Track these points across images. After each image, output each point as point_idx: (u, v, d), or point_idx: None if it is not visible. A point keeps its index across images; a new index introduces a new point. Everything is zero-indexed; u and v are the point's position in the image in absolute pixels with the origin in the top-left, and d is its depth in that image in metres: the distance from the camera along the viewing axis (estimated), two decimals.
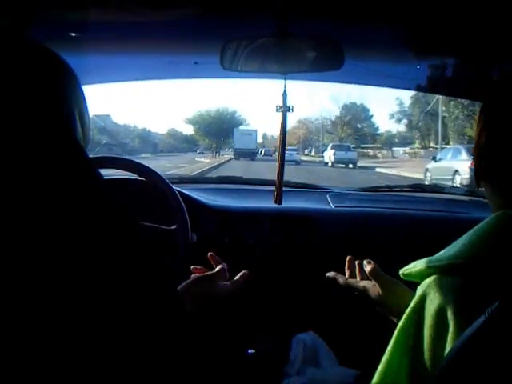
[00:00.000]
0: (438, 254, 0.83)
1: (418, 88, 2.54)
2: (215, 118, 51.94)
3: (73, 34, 1.64)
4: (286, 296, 2.20)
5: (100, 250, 0.61)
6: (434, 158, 17.97)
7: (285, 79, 1.60)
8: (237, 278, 1.44)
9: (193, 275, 1.42)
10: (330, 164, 33.23)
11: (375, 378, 0.87)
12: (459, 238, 0.82)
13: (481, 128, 0.86)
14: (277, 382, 1.47)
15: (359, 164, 34.98)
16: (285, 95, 1.60)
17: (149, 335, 0.65)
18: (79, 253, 0.59)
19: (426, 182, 14.69)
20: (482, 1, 1.31)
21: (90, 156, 1.80)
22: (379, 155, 49.45)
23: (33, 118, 0.63)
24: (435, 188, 3.00)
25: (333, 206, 2.38)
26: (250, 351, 2.05)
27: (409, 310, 0.84)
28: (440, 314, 0.76)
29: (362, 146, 54.62)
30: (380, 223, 2.26)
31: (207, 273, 1.40)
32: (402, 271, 0.94)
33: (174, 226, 1.79)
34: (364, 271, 1.34)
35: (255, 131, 41.41)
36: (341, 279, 1.42)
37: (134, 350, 0.62)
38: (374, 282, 1.29)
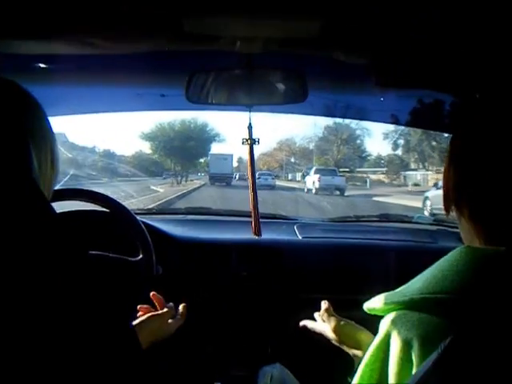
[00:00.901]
0: (403, 288, 0.83)
1: (383, 120, 2.58)
2: (179, 132, 39.94)
3: (39, 66, 1.63)
4: (252, 328, 2.19)
5: (48, 286, 0.60)
6: (436, 185, 17.39)
7: (249, 111, 1.61)
8: (180, 311, 1.57)
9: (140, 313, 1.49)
10: (313, 191, 28.62)
11: None
12: (426, 267, 0.83)
13: (449, 159, 0.87)
14: None
15: (353, 192, 29.74)
16: (250, 127, 1.61)
17: (101, 369, 0.64)
18: (27, 288, 0.59)
19: (426, 212, 14.46)
20: (448, 32, 1.33)
21: (57, 188, 1.80)
22: (384, 179, 42.77)
23: None
24: (402, 218, 3.02)
25: (300, 237, 2.38)
26: None
27: (373, 346, 0.84)
28: (405, 349, 0.76)
29: (359, 169, 47.92)
30: (346, 254, 2.27)
31: (158, 312, 1.50)
32: (366, 306, 0.94)
33: (139, 257, 1.77)
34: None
35: (231, 156, 39.37)
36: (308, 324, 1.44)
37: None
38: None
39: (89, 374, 0.62)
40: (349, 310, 1.34)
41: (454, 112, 1.90)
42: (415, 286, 0.80)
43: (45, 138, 0.82)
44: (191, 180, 39.80)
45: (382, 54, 1.53)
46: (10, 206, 0.62)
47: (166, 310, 1.51)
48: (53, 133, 0.85)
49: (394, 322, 0.80)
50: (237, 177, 39.34)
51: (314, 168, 32.85)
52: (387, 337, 0.80)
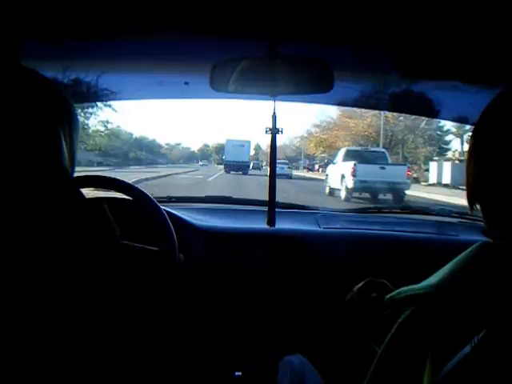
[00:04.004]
0: (422, 283, 0.83)
1: (409, 110, 2.56)
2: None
3: (66, 54, 1.64)
4: (273, 318, 2.19)
5: (77, 270, 0.61)
6: None
7: (274, 101, 1.61)
8: None
9: None
10: (342, 193, 16.33)
11: None
12: (447, 260, 0.82)
13: (470, 153, 0.86)
14: None
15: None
16: (274, 117, 1.61)
17: (125, 357, 0.65)
18: (58, 271, 0.59)
19: None
20: (473, 21, 1.32)
21: (80, 175, 1.81)
22: None
23: (19, 142, 0.64)
24: (424, 210, 2.99)
25: (321, 228, 2.37)
26: (237, 374, 2.03)
27: (390, 336, 0.83)
28: (421, 343, 0.75)
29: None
30: (367, 245, 2.26)
31: None
32: (387, 298, 0.93)
33: (162, 247, 1.78)
34: None
35: (249, 142, 38.68)
36: None
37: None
38: None
39: (112, 361, 0.63)
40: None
41: (479, 104, 1.87)
42: (434, 280, 0.79)
43: (72, 125, 0.83)
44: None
45: (408, 43, 1.51)
46: (43, 192, 0.62)
47: None
48: (77, 120, 0.86)
49: (411, 315, 0.80)
50: (250, 166, 37.93)
51: (342, 150, 19.19)
52: (404, 329, 0.80)
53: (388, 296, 0.93)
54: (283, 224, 2.32)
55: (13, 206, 0.59)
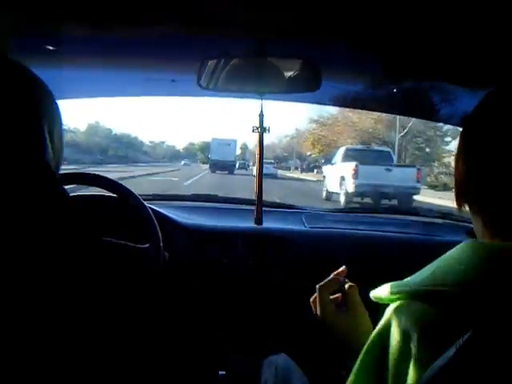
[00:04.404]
0: (409, 279, 0.83)
1: (396, 111, 2.56)
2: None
3: (51, 48, 1.62)
4: (258, 317, 2.19)
5: (55, 267, 0.60)
6: None
7: (261, 99, 1.60)
8: None
9: None
10: (342, 198, 14.79)
11: None
12: (432, 261, 0.82)
13: (459, 152, 0.86)
14: None
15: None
16: (261, 116, 1.60)
17: (109, 356, 0.65)
18: (34, 268, 0.59)
19: None
20: (462, 24, 1.32)
21: (64, 172, 1.80)
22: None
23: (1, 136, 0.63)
24: (410, 210, 3.01)
25: (307, 227, 2.37)
26: (221, 373, 2.02)
27: (375, 332, 0.83)
28: (404, 339, 0.75)
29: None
30: (353, 245, 2.26)
31: None
32: (372, 294, 0.93)
33: (147, 245, 1.77)
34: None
35: (235, 141, 38.10)
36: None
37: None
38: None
39: (97, 362, 0.63)
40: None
41: (466, 105, 1.88)
42: (419, 277, 0.80)
43: (55, 120, 0.82)
44: None
45: (397, 43, 1.52)
46: (26, 189, 0.62)
47: None
48: (60, 115, 0.85)
49: (396, 311, 0.80)
50: (236, 165, 37.33)
51: (341, 150, 17.41)
52: (388, 325, 0.80)
53: (373, 292, 0.93)
54: (270, 223, 2.32)
55: None
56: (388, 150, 18.46)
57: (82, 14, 1.35)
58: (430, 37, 1.44)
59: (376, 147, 22.06)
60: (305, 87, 1.64)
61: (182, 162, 50.39)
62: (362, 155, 15.97)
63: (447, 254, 0.80)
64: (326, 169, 18.19)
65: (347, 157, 15.98)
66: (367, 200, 14.62)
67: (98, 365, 0.64)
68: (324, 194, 16.98)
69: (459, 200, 0.88)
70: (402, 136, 27.07)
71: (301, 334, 2.07)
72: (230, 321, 2.19)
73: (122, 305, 0.71)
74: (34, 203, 0.61)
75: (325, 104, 2.44)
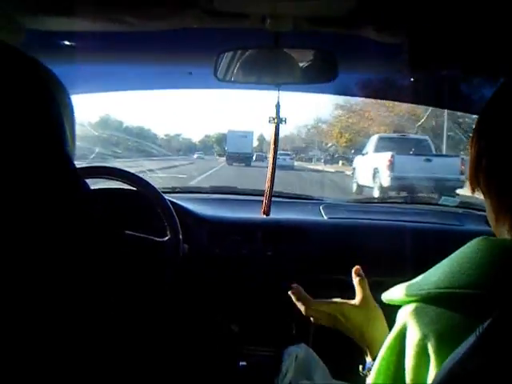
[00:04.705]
0: (420, 279, 0.82)
1: (413, 100, 2.55)
2: None
3: (65, 43, 1.64)
4: (278, 308, 2.19)
5: (77, 261, 0.61)
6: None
7: (278, 90, 1.60)
8: None
9: None
10: (376, 191, 13.14)
11: None
12: (452, 250, 0.81)
13: (478, 136, 0.86)
14: None
15: None
16: (278, 106, 1.60)
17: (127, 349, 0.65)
18: (57, 262, 0.59)
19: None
20: (475, 14, 1.31)
21: (84, 165, 1.81)
22: None
23: (22, 130, 0.63)
24: (428, 200, 2.99)
25: (326, 218, 2.37)
26: (241, 363, 2.03)
27: (390, 338, 0.83)
28: (421, 344, 0.74)
29: None
30: (373, 235, 2.26)
31: None
32: (384, 297, 0.93)
33: (166, 238, 1.78)
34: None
35: (251, 133, 36.96)
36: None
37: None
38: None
39: (120, 351, 0.63)
40: (373, 291, 1.33)
41: (484, 94, 1.87)
42: (432, 278, 0.78)
43: (69, 114, 0.82)
44: None
45: (413, 33, 1.51)
46: (46, 182, 0.62)
47: None
48: (73, 109, 0.86)
49: (410, 315, 0.79)
50: (254, 157, 35.48)
51: (374, 138, 15.43)
52: (404, 329, 0.80)
53: (384, 295, 0.93)
54: (285, 214, 2.32)
55: (14, 195, 0.59)
56: (426, 137, 16.10)
57: (98, 8, 1.36)
58: (447, 26, 1.43)
59: (413, 135, 18.74)
60: (322, 77, 1.63)
61: (196, 155, 45.45)
62: (398, 144, 13.89)
63: (460, 251, 0.79)
64: (356, 160, 16.29)
65: (381, 146, 14.02)
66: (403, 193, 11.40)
67: (124, 353, 0.65)
68: (354, 187, 14.99)
69: (472, 182, 0.88)
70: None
71: (320, 324, 2.08)
72: (250, 311, 2.20)
73: (143, 297, 0.72)
74: (56, 197, 0.62)
75: (342, 94, 2.43)
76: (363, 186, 14.33)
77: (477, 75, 1.81)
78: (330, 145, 37.37)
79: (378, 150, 14.05)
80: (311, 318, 1.36)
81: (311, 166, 31.74)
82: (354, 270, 1.34)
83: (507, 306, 0.67)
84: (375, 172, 13.30)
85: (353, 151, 23.28)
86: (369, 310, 1.25)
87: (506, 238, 0.80)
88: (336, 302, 1.31)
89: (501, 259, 0.74)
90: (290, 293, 1.39)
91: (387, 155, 12.79)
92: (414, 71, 1.84)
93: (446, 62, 1.72)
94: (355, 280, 1.32)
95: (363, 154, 15.22)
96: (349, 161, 26.08)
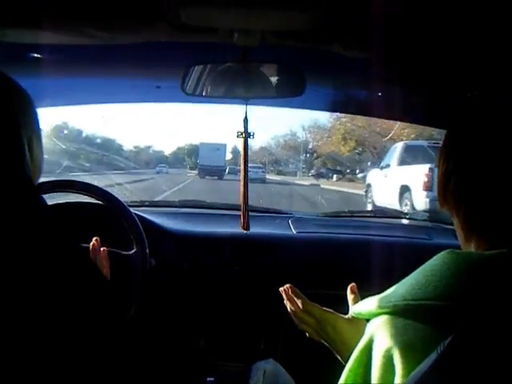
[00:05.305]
0: (389, 292, 0.82)
1: (381, 115, 2.57)
2: None
3: (33, 55, 1.62)
4: (245, 322, 2.18)
5: (38, 278, 0.60)
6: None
7: (246, 105, 1.60)
8: None
9: None
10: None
11: None
12: (420, 264, 0.82)
13: (446, 155, 0.87)
14: None
15: None
16: (246, 121, 1.61)
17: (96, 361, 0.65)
18: (17, 280, 0.58)
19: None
20: (442, 29, 1.33)
21: (49, 179, 1.79)
22: None
23: None
24: (396, 213, 3.02)
25: (294, 232, 2.37)
26: (209, 379, 2.02)
27: (357, 350, 0.83)
28: (387, 355, 0.75)
29: None
30: (341, 249, 2.26)
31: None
32: (352, 310, 0.94)
33: (133, 251, 1.76)
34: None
35: (224, 146, 36.38)
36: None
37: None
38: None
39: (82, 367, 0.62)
40: (342, 305, 1.33)
41: (451, 109, 1.89)
42: (399, 291, 0.79)
43: (34, 128, 0.81)
44: None
45: (379, 48, 1.52)
46: (3, 199, 0.61)
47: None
48: (38, 122, 0.85)
49: (377, 328, 0.80)
50: (227, 170, 35.93)
51: (398, 146, 12.34)
52: (370, 342, 0.80)
53: (353, 309, 0.93)
54: (257, 228, 2.32)
55: None
56: None
57: (65, 21, 1.35)
58: (414, 40, 1.44)
59: None
60: (290, 92, 1.65)
61: (158, 168, 39.06)
62: (429, 154, 10.12)
63: (427, 264, 0.80)
64: (371, 175, 13.44)
65: (408, 157, 11.34)
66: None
67: (84, 371, 0.64)
68: (369, 208, 11.89)
69: (440, 200, 0.89)
70: None
71: (288, 339, 2.07)
72: (218, 326, 2.18)
73: (107, 308, 0.71)
74: (10, 213, 0.61)
75: (311, 109, 2.44)
76: (383, 208, 11.13)
77: (446, 90, 1.84)
78: (344, 152, 30.01)
79: (404, 161, 11.43)
80: (296, 322, 1.35)
81: (299, 181, 28.59)
82: (349, 287, 1.34)
83: (468, 323, 0.67)
84: (403, 191, 10.65)
85: (369, 165, 19.71)
86: (360, 327, 1.24)
87: (471, 251, 0.81)
88: (330, 311, 1.30)
89: (466, 272, 0.75)
90: (281, 289, 1.38)
91: (423, 169, 9.73)
92: (380, 86, 1.86)
93: (413, 76, 1.74)
94: (350, 297, 1.32)
95: (381, 168, 12.33)
96: (354, 175, 22.77)
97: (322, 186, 21.40)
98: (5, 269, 0.58)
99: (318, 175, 30.36)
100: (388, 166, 11.94)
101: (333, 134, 30.89)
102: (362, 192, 13.76)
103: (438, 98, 1.96)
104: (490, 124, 0.83)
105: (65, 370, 0.61)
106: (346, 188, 18.71)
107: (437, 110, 2.04)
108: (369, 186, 13.09)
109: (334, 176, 27.66)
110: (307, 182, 26.95)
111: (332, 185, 23.30)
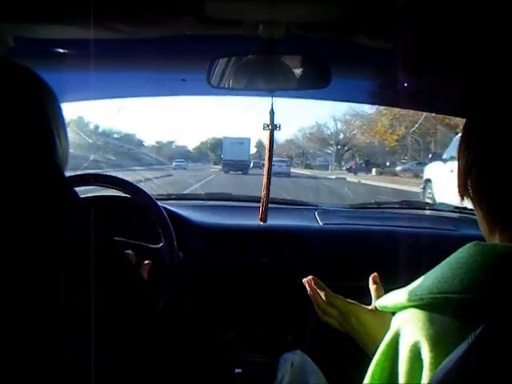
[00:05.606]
0: (414, 286, 0.82)
1: (405, 105, 2.55)
2: None
3: (57, 51, 1.63)
4: (273, 315, 2.19)
5: (75, 271, 0.61)
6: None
7: (272, 97, 1.60)
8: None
9: None
10: None
11: None
12: (447, 255, 0.81)
13: (466, 146, 0.86)
14: None
15: None
16: (272, 113, 1.60)
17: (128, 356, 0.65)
18: (47, 269, 0.59)
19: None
20: (467, 20, 1.31)
21: (77, 173, 1.81)
22: None
23: (10, 138, 0.63)
24: (423, 205, 3.00)
25: (321, 224, 2.37)
26: (237, 371, 2.03)
27: (383, 344, 0.83)
28: (414, 349, 0.75)
29: None
30: (368, 241, 2.26)
31: None
32: (377, 303, 0.93)
33: (161, 244, 1.77)
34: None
35: (248, 139, 35.38)
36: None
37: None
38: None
39: (108, 360, 0.63)
40: (367, 296, 1.33)
41: (472, 97, 1.87)
42: (425, 284, 0.79)
43: (60, 122, 0.82)
44: None
45: (406, 38, 1.51)
46: (37, 191, 0.62)
47: None
48: (63, 116, 0.86)
49: (403, 321, 0.79)
50: (251, 165, 33.97)
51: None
52: (397, 335, 0.80)
53: (378, 302, 0.93)
54: (280, 220, 2.32)
55: (1, 205, 0.59)
56: None
57: (90, 16, 1.36)
58: (438, 31, 1.43)
59: None
60: (315, 84, 1.64)
61: (174, 163, 36.42)
62: None
63: (452, 257, 0.79)
64: (430, 169, 11.68)
65: None
66: None
67: (110, 363, 0.65)
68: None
69: (461, 191, 0.88)
70: None
71: (315, 330, 2.07)
72: (246, 318, 2.19)
73: (137, 303, 0.72)
74: (45, 205, 0.62)
75: (336, 100, 2.43)
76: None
77: (469, 80, 1.82)
78: (390, 142, 26.46)
79: None
80: (319, 314, 1.35)
81: (332, 176, 26.90)
82: (371, 278, 1.34)
83: (498, 313, 0.66)
84: None
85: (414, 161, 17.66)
86: (384, 319, 1.24)
87: (497, 243, 0.80)
88: (353, 303, 1.30)
89: (492, 264, 0.74)
90: (304, 281, 1.38)
91: None
92: (406, 76, 1.84)
93: (438, 66, 1.72)
94: (372, 287, 1.32)
95: (445, 160, 10.43)
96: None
97: (362, 181, 20.28)
98: (45, 263, 0.59)
99: (356, 169, 28.50)
100: (453, 158, 8.97)
101: (378, 120, 28.43)
102: (406, 188, 12.92)
103: (464, 87, 1.93)
104: (511, 114, 0.82)
105: (101, 362, 0.62)
106: (389, 183, 17.38)
107: (462, 99, 2.02)
108: (427, 181, 11.61)
109: (373, 170, 26.03)
110: (344, 176, 25.23)
111: (371, 180, 22.14)
